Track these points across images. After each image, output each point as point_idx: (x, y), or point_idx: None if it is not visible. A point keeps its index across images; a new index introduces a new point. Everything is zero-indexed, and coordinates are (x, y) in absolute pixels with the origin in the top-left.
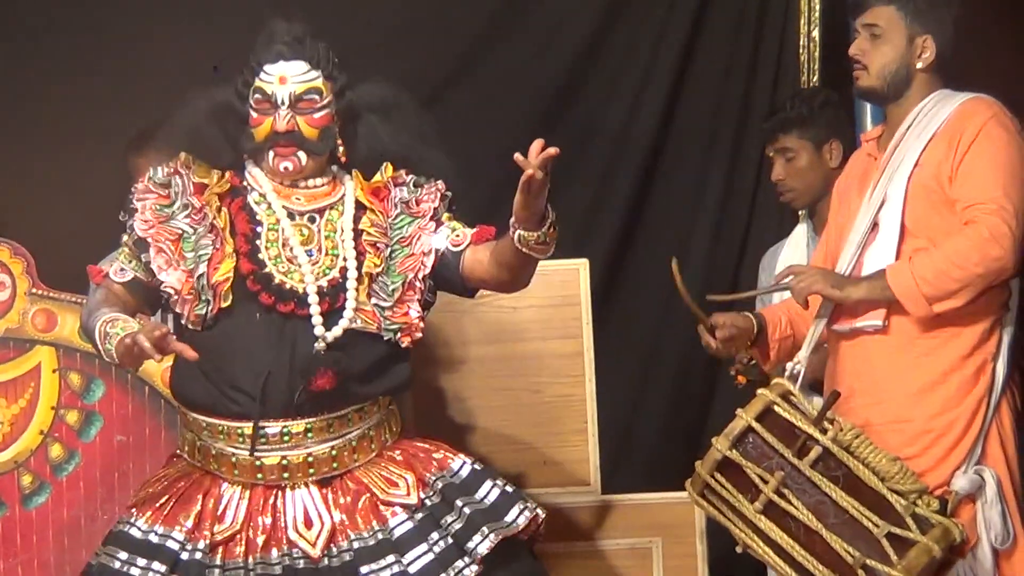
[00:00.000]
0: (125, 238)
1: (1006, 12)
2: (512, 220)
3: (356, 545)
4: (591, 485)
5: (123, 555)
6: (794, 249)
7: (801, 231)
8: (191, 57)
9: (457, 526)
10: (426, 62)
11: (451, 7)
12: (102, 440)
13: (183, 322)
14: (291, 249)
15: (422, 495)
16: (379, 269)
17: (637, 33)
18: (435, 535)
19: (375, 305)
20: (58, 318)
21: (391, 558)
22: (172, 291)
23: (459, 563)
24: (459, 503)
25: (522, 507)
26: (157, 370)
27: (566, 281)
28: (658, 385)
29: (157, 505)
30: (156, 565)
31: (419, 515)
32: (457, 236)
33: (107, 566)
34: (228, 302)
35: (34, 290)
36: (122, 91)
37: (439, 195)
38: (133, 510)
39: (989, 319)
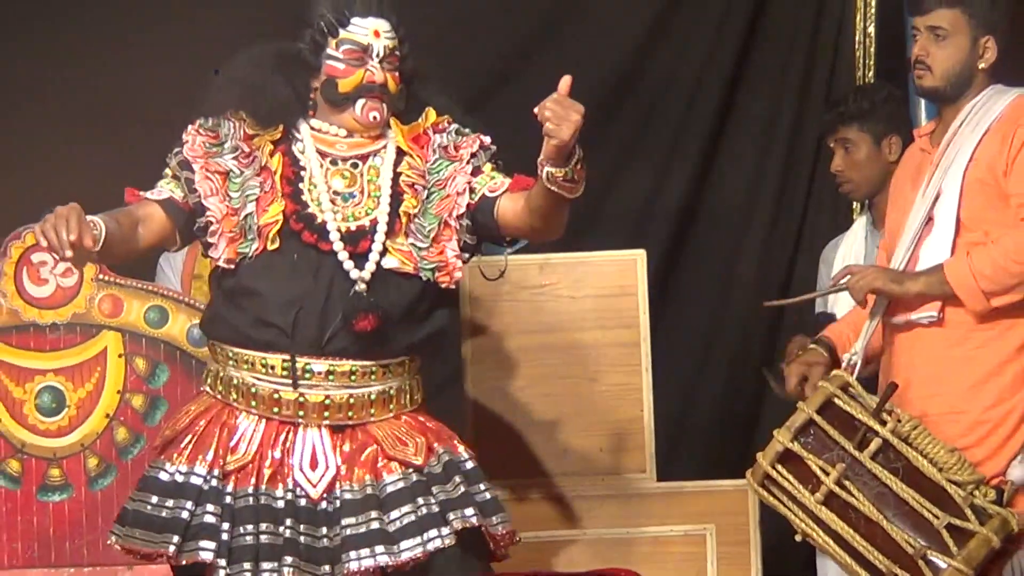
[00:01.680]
0: (168, 165)
1: None
2: (540, 159)
3: (346, 496)
4: (647, 472)
5: (154, 499)
6: (852, 242)
7: (861, 224)
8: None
9: (444, 497)
10: (484, 57)
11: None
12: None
13: (217, 257)
14: (332, 192)
15: (429, 458)
16: (416, 209)
17: (696, 25)
18: (422, 500)
19: (412, 245)
20: (124, 304)
21: (373, 514)
22: (213, 220)
23: (432, 532)
24: (457, 479)
25: (504, 518)
26: None
27: (623, 271)
28: (713, 375)
29: (182, 446)
30: (184, 503)
31: (414, 478)
32: (495, 183)
33: (140, 511)
34: (276, 244)
35: (101, 276)
36: (169, 84)
37: (479, 143)
38: (162, 456)
39: None
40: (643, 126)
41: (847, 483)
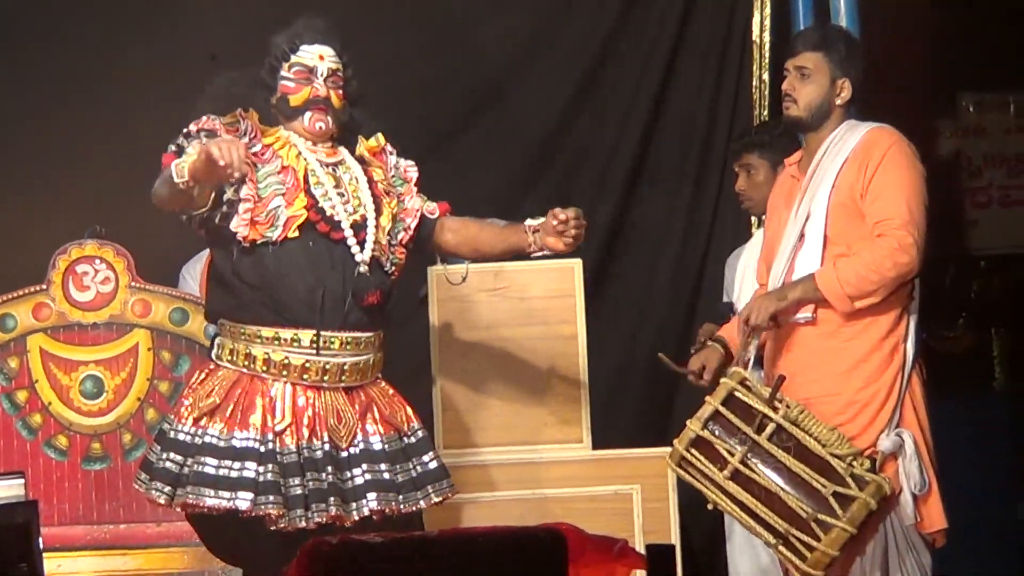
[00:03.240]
0: (195, 141)
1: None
2: (532, 235)
3: (362, 446)
4: (583, 442)
5: (213, 462)
6: (753, 251)
7: (758, 235)
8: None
9: (403, 478)
10: (438, 110)
11: (458, 67)
12: None
13: (240, 234)
14: (331, 189)
15: (408, 432)
16: (396, 211)
17: (620, 75)
18: (410, 463)
19: (387, 241)
20: (152, 306)
21: (383, 466)
22: (251, 198)
23: (419, 493)
24: (413, 461)
25: (448, 482)
26: None
27: (563, 277)
28: (637, 361)
29: (227, 414)
30: (248, 464)
31: (405, 440)
32: (429, 206)
33: (201, 472)
34: (297, 234)
35: (133, 283)
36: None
37: (415, 170)
38: (203, 419)
39: (899, 308)
40: (579, 159)
41: (749, 461)
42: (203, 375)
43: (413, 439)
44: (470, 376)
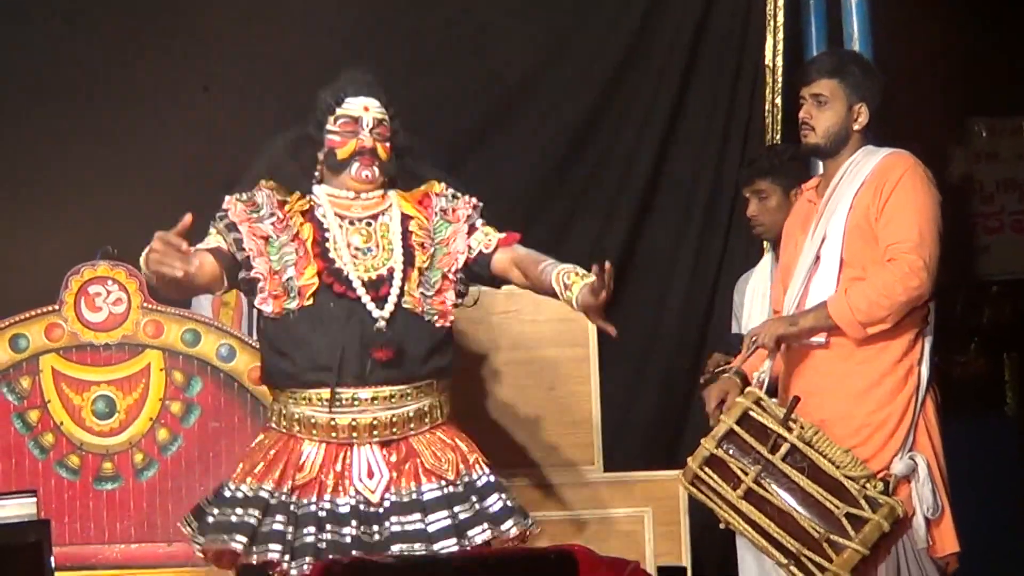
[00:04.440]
0: (214, 226)
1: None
2: (571, 290)
3: (393, 499)
4: (595, 464)
5: (227, 510)
6: (760, 276)
7: (766, 260)
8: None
9: (464, 516)
10: (453, 130)
11: (470, 84)
12: (200, 426)
13: (266, 311)
14: (353, 248)
15: (456, 478)
16: (426, 264)
17: (632, 100)
18: (454, 510)
19: (421, 293)
20: (164, 327)
21: (416, 516)
22: (260, 277)
23: (463, 541)
24: (473, 499)
25: (517, 520)
26: (244, 369)
27: None
28: (649, 384)
29: (255, 470)
30: (252, 511)
31: (448, 489)
32: (488, 239)
33: (220, 521)
34: (311, 302)
35: (145, 304)
36: (221, 140)
37: (472, 206)
38: (237, 479)
39: (913, 331)
40: (591, 185)
41: (763, 481)
42: (261, 437)
43: (460, 487)
44: (482, 398)
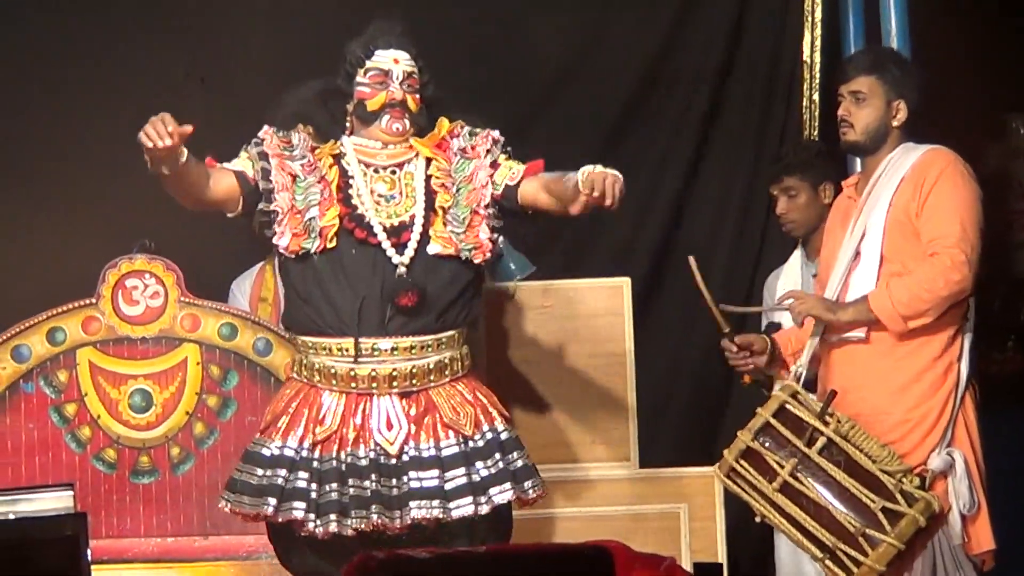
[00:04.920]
0: (245, 151)
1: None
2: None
3: (412, 453)
4: (630, 460)
5: (259, 471)
6: (790, 272)
7: (796, 257)
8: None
9: (486, 473)
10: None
11: (503, 82)
12: (236, 420)
13: (282, 246)
14: (376, 195)
15: (475, 432)
16: (449, 203)
17: (669, 96)
18: (472, 467)
19: (451, 232)
20: (201, 321)
21: (434, 472)
22: (279, 211)
23: (482, 497)
24: (497, 455)
25: (536, 482)
26: (281, 364)
27: (611, 295)
28: (685, 381)
29: (278, 425)
30: (279, 471)
31: (467, 445)
32: (512, 172)
33: (247, 482)
34: (334, 244)
35: (182, 298)
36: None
37: (491, 140)
38: (263, 435)
39: (953, 327)
40: (627, 177)
41: (799, 474)
42: (283, 387)
43: (480, 443)
44: (517, 393)
